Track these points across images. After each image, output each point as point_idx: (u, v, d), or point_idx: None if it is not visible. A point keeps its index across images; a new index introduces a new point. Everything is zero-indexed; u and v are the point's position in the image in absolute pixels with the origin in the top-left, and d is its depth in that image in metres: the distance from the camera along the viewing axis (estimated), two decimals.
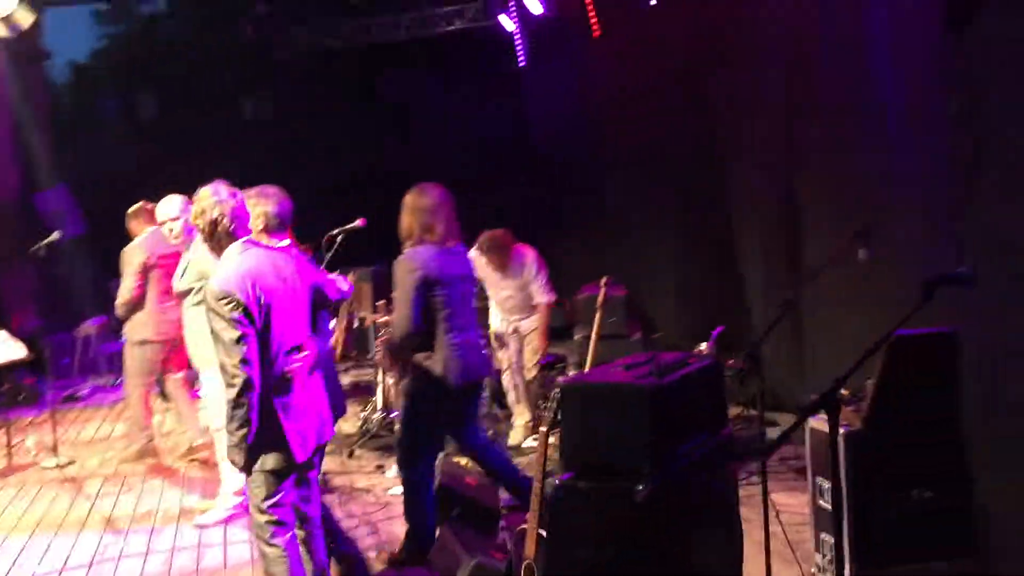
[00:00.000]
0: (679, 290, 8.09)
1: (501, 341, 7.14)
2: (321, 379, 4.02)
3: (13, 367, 7.91)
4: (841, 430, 3.58)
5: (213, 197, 3.81)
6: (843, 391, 3.85)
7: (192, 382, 7.30)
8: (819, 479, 3.77)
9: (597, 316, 5.94)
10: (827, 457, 3.62)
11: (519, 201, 10.89)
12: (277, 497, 3.79)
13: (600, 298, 5.95)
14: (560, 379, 4.12)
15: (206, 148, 12.19)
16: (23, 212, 12.01)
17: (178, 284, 5.57)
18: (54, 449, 7.39)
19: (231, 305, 3.55)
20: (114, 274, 7.25)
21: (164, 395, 7.44)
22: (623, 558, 2.55)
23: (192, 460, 7.03)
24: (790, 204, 6.35)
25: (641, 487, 2.56)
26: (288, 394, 3.75)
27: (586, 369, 5.93)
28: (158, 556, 5.18)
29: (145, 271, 6.82)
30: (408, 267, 4.62)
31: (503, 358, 7.16)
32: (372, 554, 4.99)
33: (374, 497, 5.96)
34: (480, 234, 6.78)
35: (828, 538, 3.69)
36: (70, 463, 7.21)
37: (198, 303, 5.54)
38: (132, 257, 6.90)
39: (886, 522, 3.33)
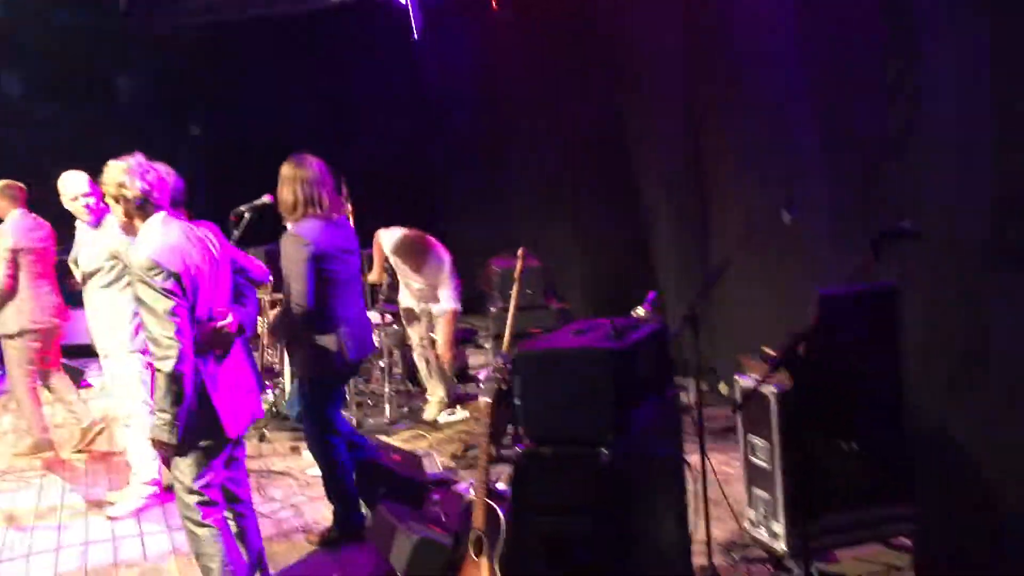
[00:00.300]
0: (584, 261, 8.18)
1: (411, 316, 7.09)
2: (247, 354, 3.94)
3: None
4: (773, 388, 3.71)
5: (138, 170, 3.71)
6: (768, 350, 3.98)
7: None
8: (751, 436, 3.88)
9: (515, 287, 5.92)
10: (760, 415, 3.75)
11: (418, 177, 10.83)
12: (207, 477, 3.71)
13: (518, 269, 5.92)
14: (495, 356, 4.02)
15: (78, 129, 11.64)
16: None
17: (84, 265, 5.30)
18: None
19: (162, 275, 3.48)
20: None
21: (48, 388, 7.07)
22: (587, 525, 2.57)
23: (86, 451, 6.73)
24: (699, 170, 6.47)
25: (605, 451, 2.58)
26: (216, 368, 3.68)
27: (505, 341, 5.93)
28: (71, 551, 4.96)
29: (15, 257, 6.49)
30: (299, 242, 4.51)
31: (413, 334, 7.12)
32: (300, 536, 4.91)
33: (293, 479, 5.85)
34: (383, 225, 6.76)
35: (762, 493, 3.82)
36: None
37: (107, 285, 5.32)
38: (4, 243, 6.54)
39: (818, 474, 3.46)
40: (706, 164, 6.36)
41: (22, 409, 6.82)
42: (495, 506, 3.38)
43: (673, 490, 3.02)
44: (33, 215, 6.76)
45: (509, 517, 2.85)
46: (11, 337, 6.62)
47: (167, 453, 3.63)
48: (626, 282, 8.09)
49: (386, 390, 7.08)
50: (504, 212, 9.48)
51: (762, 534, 3.81)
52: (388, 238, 6.92)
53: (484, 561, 3.38)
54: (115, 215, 4.30)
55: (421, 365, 7.10)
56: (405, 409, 7.13)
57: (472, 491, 5.21)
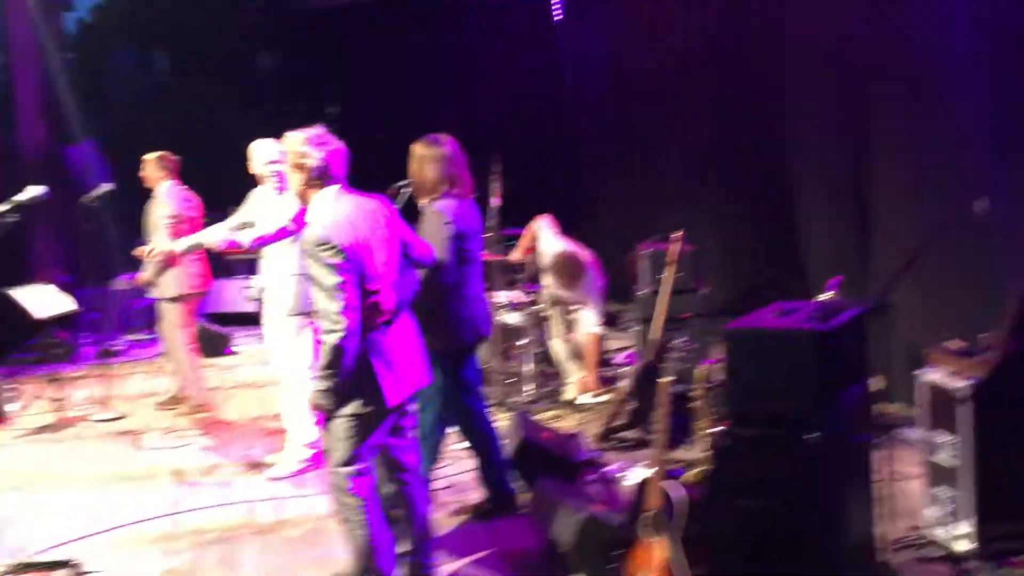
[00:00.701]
0: (727, 247, 8.05)
1: (555, 299, 7.07)
2: (414, 326, 3.97)
3: (43, 322, 7.84)
4: (965, 383, 3.57)
5: (315, 141, 3.75)
6: (959, 342, 3.83)
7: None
8: (934, 433, 3.74)
9: (669, 270, 5.90)
10: (946, 411, 3.62)
11: (558, 159, 10.80)
12: (361, 447, 3.72)
13: (673, 253, 5.90)
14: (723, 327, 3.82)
15: (220, 104, 12.03)
16: (50, 167, 11.89)
17: (260, 233, 5.48)
18: (103, 403, 7.38)
19: (331, 251, 3.51)
20: (136, 231, 7.21)
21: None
22: (785, 507, 2.53)
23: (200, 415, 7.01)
24: (861, 167, 6.26)
25: (810, 435, 2.53)
26: (381, 336, 3.71)
27: (658, 323, 5.89)
28: (237, 508, 5.16)
29: (174, 225, 6.80)
30: (442, 219, 4.54)
31: (554, 317, 7.10)
32: (451, 508, 4.99)
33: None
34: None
35: (945, 492, 3.68)
36: (121, 417, 7.18)
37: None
38: (162, 212, 6.85)
39: (1012, 476, 3.32)
40: (873, 161, 6.14)
41: (182, 370, 7.14)
42: (671, 486, 3.36)
43: (865, 481, 2.93)
44: (184, 185, 7.06)
45: (705, 495, 2.82)
46: (172, 301, 6.95)
47: (323, 415, 3.72)
48: (768, 273, 7.93)
49: (525, 369, 7.12)
50: (643, 198, 9.39)
51: (941, 534, 3.68)
52: (548, 239, 6.92)
53: (662, 541, 3.37)
54: (291, 185, 4.44)
55: (560, 348, 7.10)
56: (546, 389, 7.15)
57: (621, 471, 5.23)
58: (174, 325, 7.06)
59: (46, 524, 5.02)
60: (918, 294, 5.42)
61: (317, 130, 3.82)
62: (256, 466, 5.85)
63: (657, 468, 3.41)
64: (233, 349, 9.78)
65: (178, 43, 13.06)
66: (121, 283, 10.67)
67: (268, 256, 5.56)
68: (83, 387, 7.91)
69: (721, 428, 2.81)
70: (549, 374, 7.31)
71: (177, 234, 6.81)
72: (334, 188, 3.74)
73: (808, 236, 7.32)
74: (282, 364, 5.67)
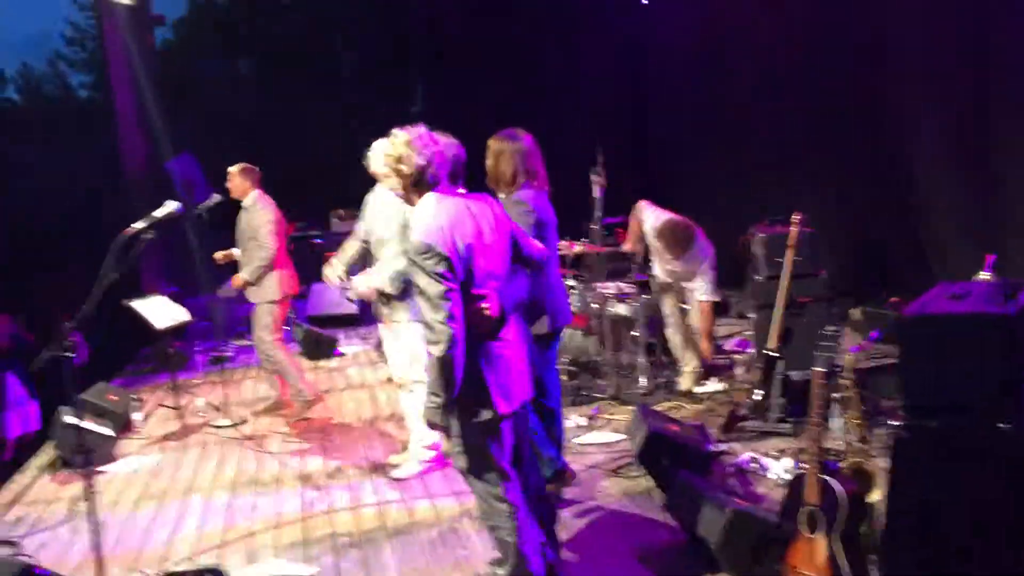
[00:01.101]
0: (842, 228, 7.82)
1: (665, 287, 6.98)
2: (522, 332, 3.87)
3: (162, 332, 8.03)
4: None
5: (419, 142, 3.66)
6: None
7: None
8: None
9: (789, 254, 5.73)
10: None
11: (653, 146, 10.65)
12: (495, 450, 3.66)
13: (793, 236, 5.73)
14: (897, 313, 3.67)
15: (309, 105, 12.14)
16: (152, 183, 12.20)
17: (381, 232, 5.49)
18: (221, 409, 7.54)
19: (434, 259, 3.44)
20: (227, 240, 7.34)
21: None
22: (974, 503, 2.40)
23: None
24: (984, 164, 6.01)
25: (1005, 425, 2.40)
26: (491, 343, 3.62)
27: (779, 313, 5.74)
28: (367, 510, 5.20)
29: (276, 230, 6.91)
30: (524, 207, 4.57)
31: (665, 305, 7.00)
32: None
33: None
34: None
35: None
36: (243, 422, 7.31)
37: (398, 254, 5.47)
38: (264, 218, 6.94)
39: None
40: (998, 135, 5.88)
41: (286, 373, 7.21)
42: (831, 481, 3.25)
43: None
44: (263, 193, 7.14)
45: (888, 492, 2.70)
46: (266, 304, 7.07)
47: (441, 433, 3.67)
48: (886, 254, 7.70)
49: (640, 360, 7.03)
50: (746, 180, 9.19)
51: None
52: (651, 216, 6.83)
53: (820, 537, 3.26)
54: (392, 186, 4.41)
55: (674, 337, 6.99)
56: (660, 380, 7.05)
57: (753, 463, 5.11)
58: (267, 328, 7.15)
59: (184, 532, 5.14)
60: None
61: (420, 130, 3.71)
62: (378, 468, 5.88)
63: (812, 462, 3.30)
64: (340, 351, 9.90)
65: (264, 47, 13.21)
66: (227, 291, 10.90)
67: (385, 258, 5.56)
68: (200, 394, 8.09)
69: (896, 421, 2.67)
70: (662, 364, 7.22)
71: (278, 239, 6.94)
72: (435, 193, 3.65)
73: (928, 211, 7.07)
74: (401, 367, 5.68)
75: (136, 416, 7.43)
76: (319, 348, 9.71)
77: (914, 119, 7.03)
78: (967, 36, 6.21)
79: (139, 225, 4.33)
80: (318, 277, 8.62)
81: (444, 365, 3.44)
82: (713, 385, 6.87)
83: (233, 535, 5.01)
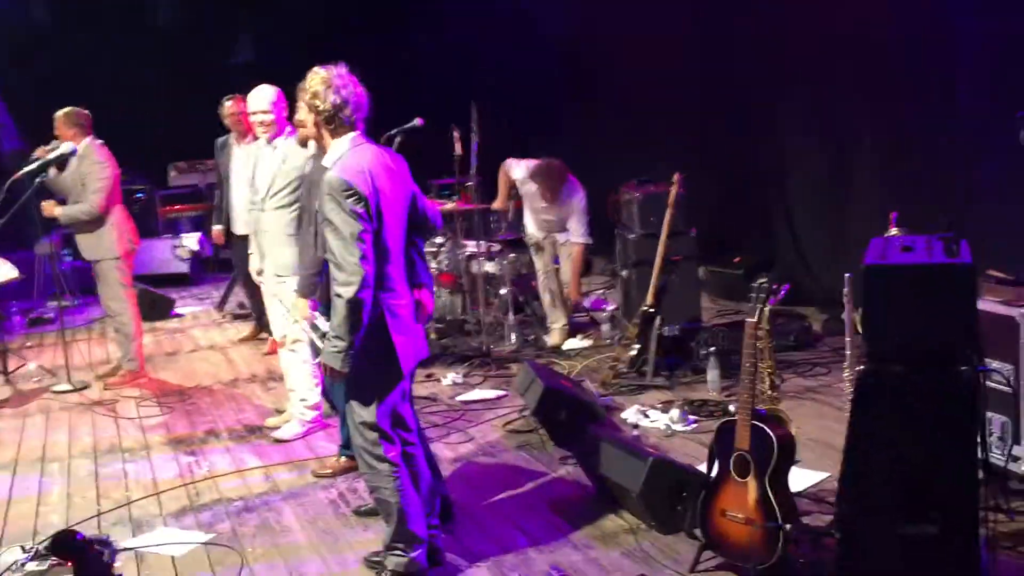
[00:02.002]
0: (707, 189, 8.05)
1: (537, 246, 7.07)
2: (416, 294, 3.77)
3: None
4: (1020, 310, 3.71)
5: (337, 80, 3.53)
6: (996, 272, 3.96)
7: None
8: (987, 360, 3.87)
9: (669, 212, 5.91)
10: (1000, 338, 3.75)
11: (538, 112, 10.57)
12: (385, 411, 3.59)
13: (673, 195, 5.91)
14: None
15: (112, 56, 11.30)
16: None
17: (261, 185, 5.20)
18: (56, 375, 7.00)
19: (354, 198, 3.36)
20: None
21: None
22: (938, 448, 2.56)
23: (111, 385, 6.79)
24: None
25: (966, 368, 2.57)
26: (396, 299, 3.54)
27: (657, 265, 5.92)
28: (255, 474, 4.97)
29: (114, 185, 6.53)
30: None
31: (538, 263, 7.09)
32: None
33: (446, 406, 5.86)
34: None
35: (1000, 417, 3.84)
36: (85, 387, 6.81)
37: (281, 206, 5.20)
38: (99, 172, 6.48)
39: None
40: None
41: (127, 335, 6.81)
42: (764, 427, 3.40)
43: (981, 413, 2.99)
44: (100, 141, 6.65)
45: (851, 433, 2.83)
46: (111, 261, 6.64)
47: (336, 380, 3.57)
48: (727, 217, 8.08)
49: (509, 318, 7.08)
50: (606, 144, 9.37)
51: (997, 457, 3.84)
52: (520, 167, 6.87)
53: (751, 481, 3.40)
54: (300, 125, 4.22)
55: (544, 294, 7.09)
56: (531, 336, 7.13)
57: (643, 415, 5.27)
58: (120, 284, 6.73)
59: (51, 502, 4.75)
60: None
61: (340, 69, 3.57)
62: (255, 430, 5.65)
63: (743, 408, 3.43)
64: (177, 311, 9.39)
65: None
66: (44, 247, 10.07)
67: (261, 216, 5.28)
68: (28, 357, 7.47)
69: (860, 367, 2.82)
70: (527, 322, 7.30)
71: (111, 193, 6.51)
72: (352, 134, 3.56)
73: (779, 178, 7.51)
74: (281, 323, 5.44)
75: None
76: (155, 309, 9.16)
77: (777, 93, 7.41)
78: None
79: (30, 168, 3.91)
80: (144, 234, 8.16)
81: (353, 307, 3.34)
82: (580, 342, 7.02)
83: (109, 504, 4.67)
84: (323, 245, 3.49)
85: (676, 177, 5.90)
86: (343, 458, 4.82)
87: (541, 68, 10.57)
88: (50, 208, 6.66)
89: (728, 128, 8.09)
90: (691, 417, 5.20)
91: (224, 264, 11.54)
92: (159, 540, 4.21)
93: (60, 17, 11.62)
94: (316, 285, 4.50)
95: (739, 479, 3.44)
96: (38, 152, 6.57)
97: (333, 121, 3.53)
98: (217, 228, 7.59)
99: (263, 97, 5.32)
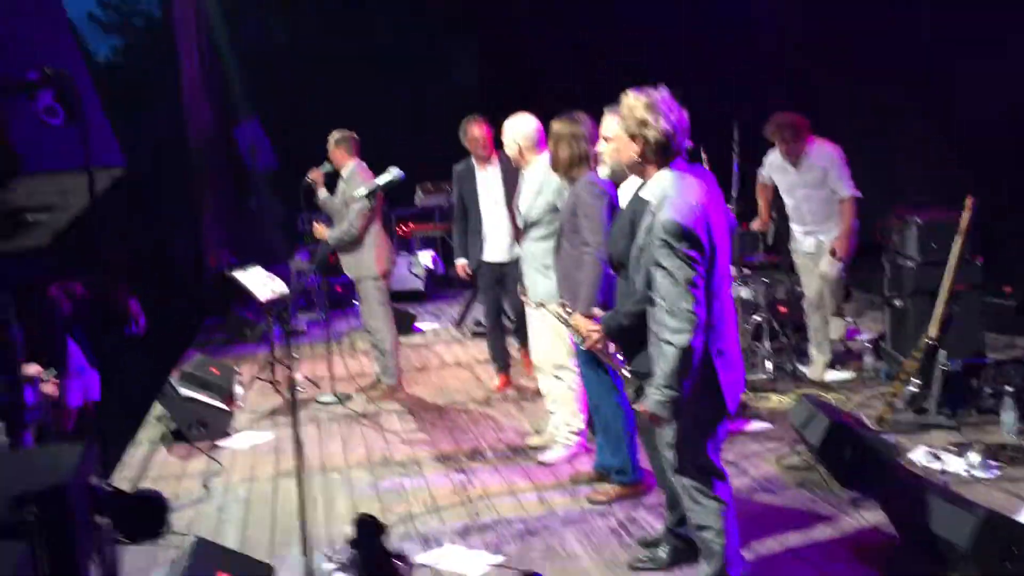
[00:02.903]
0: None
1: (805, 266, 6.66)
2: (736, 324, 3.65)
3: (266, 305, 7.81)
4: None
5: (664, 106, 3.33)
6: None
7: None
8: None
9: (959, 240, 5.51)
10: None
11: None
12: (713, 449, 3.49)
13: (965, 221, 5.50)
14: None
15: (362, 73, 11.76)
16: (218, 147, 11.91)
17: (530, 213, 5.24)
18: (319, 385, 7.35)
19: (688, 242, 3.19)
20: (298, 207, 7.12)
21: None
22: None
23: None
24: None
25: None
26: (722, 339, 3.37)
27: (942, 301, 5.52)
28: (528, 495, 4.98)
29: (375, 208, 6.73)
30: (597, 191, 4.51)
31: (805, 280, 6.71)
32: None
33: None
34: None
35: None
36: (348, 398, 7.10)
37: (544, 237, 5.20)
38: (364, 191, 6.69)
39: None
40: None
41: (385, 351, 7.03)
42: None
43: None
44: (364, 164, 6.89)
45: None
46: (371, 279, 6.89)
47: (660, 427, 3.43)
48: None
49: (764, 346, 6.82)
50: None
51: None
52: (767, 159, 6.64)
53: None
54: (607, 156, 4.16)
55: (813, 317, 6.68)
56: (785, 366, 6.84)
57: (934, 458, 4.90)
58: (379, 303, 6.98)
59: (338, 511, 4.93)
60: None
61: (661, 92, 3.38)
62: (518, 451, 5.67)
63: None
64: (419, 327, 9.68)
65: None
66: (299, 263, 10.67)
67: (525, 243, 5.31)
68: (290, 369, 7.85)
69: None
70: (780, 350, 6.99)
71: (368, 216, 6.72)
72: (676, 167, 3.39)
73: None
74: (543, 349, 5.43)
75: (238, 390, 7.22)
76: (399, 324, 9.46)
77: None
78: None
79: (362, 191, 4.11)
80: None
81: (685, 355, 3.20)
82: (842, 373, 6.66)
83: (393, 517, 4.79)
84: (646, 283, 3.38)
85: (969, 202, 5.48)
86: (617, 485, 4.74)
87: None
88: (321, 231, 7.02)
89: (998, 140, 7.37)
90: (991, 463, 4.79)
91: (454, 281, 11.91)
92: (450, 557, 4.26)
93: (298, 34, 12.31)
94: (597, 301, 4.43)
95: None
96: (312, 174, 6.95)
97: (664, 151, 3.36)
98: (461, 262, 6.95)
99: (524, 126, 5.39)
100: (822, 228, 6.44)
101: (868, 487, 4.50)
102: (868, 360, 6.78)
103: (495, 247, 6.71)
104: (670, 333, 3.22)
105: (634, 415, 4.15)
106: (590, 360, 4.58)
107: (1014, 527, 3.60)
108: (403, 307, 10.04)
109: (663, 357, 3.25)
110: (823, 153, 6.28)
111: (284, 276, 10.24)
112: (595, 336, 3.93)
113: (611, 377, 4.45)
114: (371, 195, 4.26)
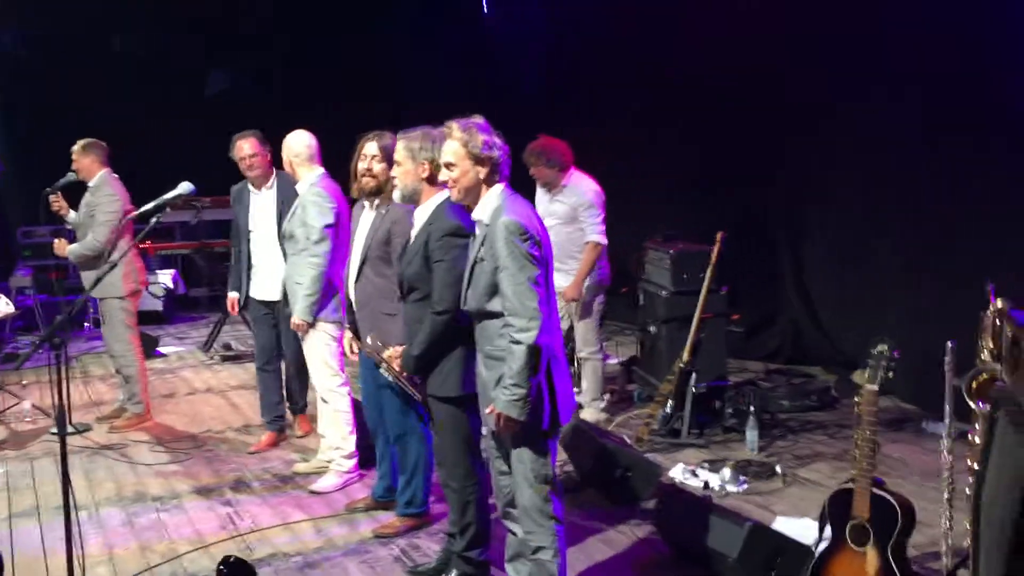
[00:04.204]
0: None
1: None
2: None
3: None
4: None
5: (492, 135, 3.50)
6: None
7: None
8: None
9: (710, 271, 5.95)
10: None
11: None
12: (554, 462, 3.56)
13: (715, 254, 5.94)
14: None
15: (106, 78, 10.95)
16: None
17: (289, 229, 5.10)
18: (50, 414, 6.69)
19: (529, 241, 3.36)
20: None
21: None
22: None
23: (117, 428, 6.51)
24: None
25: None
26: (556, 347, 3.51)
27: (694, 328, 5.92)
28: (304, 526, 4.77)
29: (120, 220, 6.35)
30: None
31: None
32: None
33: None
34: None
35: None
36: (87, 429, 6.50)
37: (300, 251, 5.14)
38: (108, 204, 6.29)
39: None
40: None
41: (131, 377, 6.59)
42: (886, 495, 3.40)
43: None
44: (116, 175, 6.49)
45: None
46: (115, 299, 6.48)
47: (511, 431, 3.47)
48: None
49: None
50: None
51: None
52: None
53: (871, 551, 3.39)
54: (400, 179, 4.08)
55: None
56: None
57: (690, 475, 5.23)
58: (124, 325, 6.52)
59: (91, 552, 4.47)
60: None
61: (481, 120, 3.56)
62: (287, 480, 5.44)
63: (862, 476, 3.43)
64: (160, 350, 9.07)
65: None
66: (22, 279, 9.67)
67: (293, 260, 5.18)
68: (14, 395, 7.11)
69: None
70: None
71: (117, 230, 6.33)
72: (501, 185, 3.53)
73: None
74: (317, 373, 5.29)
75: None
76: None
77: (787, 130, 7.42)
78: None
79: (148, 207, 3.80)
80: None
81: (532, 353, 3.30)
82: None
83: (156, 557, 4.42)
84: (486, 290, 3.44)
85: (719, 236, 5.94)
86: (404, 516, 4.65)
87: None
88: (61, 247, 6.45)
89: (730, 172, 7.93)
90: (741, 478, 5.19)
91: (195, 303, 11.30)
92: None
93: (35, 46, 11.21)
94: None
95: (856, 548, 3.43)
96: (55, 204, 6.36)
97: (498, 170, 3.49)
98: (232, 295, 6.09)
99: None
100: (565, 266, 6.07)
101: (638, 504, 4.72)
102: (620, 382, 7.14)
103: (265, 282, 5.84)
104: (516, 331, 3.32)
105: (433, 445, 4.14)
106: (396, 390, 4.44)
107: (776, 537, 3.92)
108: (142, 329, 9.38)
109: (511, 356, 3.33)
110: (579, 189, 6.14)
111: (5, 292, 9.33)
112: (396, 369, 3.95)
113: (418, 408, 4.38)
114: (157, 210, 3.94)
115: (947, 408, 3.82)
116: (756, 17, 7.49)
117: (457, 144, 3.47)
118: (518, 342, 3.31)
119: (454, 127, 3.52)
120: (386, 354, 4.16)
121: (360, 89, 10.75)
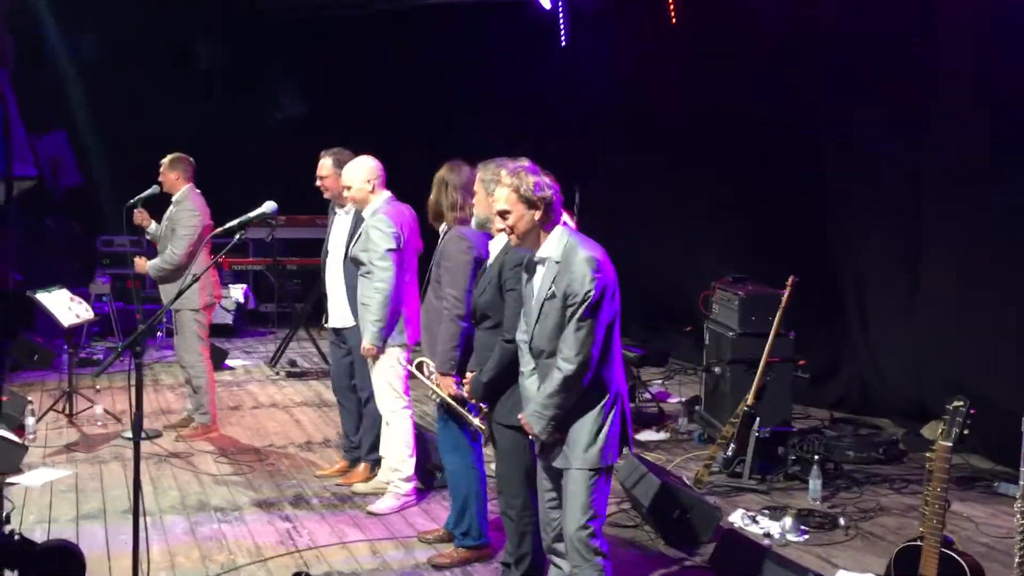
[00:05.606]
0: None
1: None
2: None
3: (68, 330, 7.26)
4: None
5: (541, 175, 3.53)
6: None
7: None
8: None
9: (779, 315, 5.89)
10: None
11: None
12: (605, 498, 3.58)
13: (785, 297, 5.89)
14: None
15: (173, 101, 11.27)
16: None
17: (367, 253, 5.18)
18: (120, 419, 6.87)
19: (595, 282, 3.42)
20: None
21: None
22: None
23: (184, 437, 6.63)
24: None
25: None
26: (619, 387, 3.58)
27: (761, 369, 5.86)
28: (360, 546, 4.81)
29: (200, 235, 6.50)
30: (465, 246, 4.45)
31: None
32: None
33: None
34: None
35: None
36: (157, 435, 6.65)
37: (366, 273, 5.20)
38: (189, 219, 6.45)
39: None
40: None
41: (200, 388, 6.71)
42: (954, 555, 3.31)
43: None
44: (199, 191, 6.66)
45: None
46: (191, 311, 6.61)
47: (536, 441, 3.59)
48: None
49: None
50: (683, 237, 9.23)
51: None
52: None
53: None
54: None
55: None
56: None
57: (750, 522, 5.14)
58: (197, 336, 6.67)
59: (153, 558, 4.57)
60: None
61: (527, 162, 3.62)
62: (346, 499, 5.49)
63: (932, 536, 3.35)
64: (228, 363, 9.25)
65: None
66: (101, 286, 9.96)
67: (361, 282, 5.24)
68: (93, 400, 7.30)
69: None
70: None
71: (195, 244, 6.48)
72: (563, 223, 3.59)
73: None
74: (378, 396, 5.33)
75: (28, 421, 6.60)
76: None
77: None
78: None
79: (232, 224, 3.92)
80: None
81: (568, 386, 3.40)
82: (654, 434, 6.91)
83: (215, 567, 4.50)
84: (554, 329, 3.50)
85: (791, 280, 5.88)
86: (461, 548, 4.65)
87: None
88: (141, 264, 6.65)
89: (797, 217, 7.87)
90: (802, 527, 5.09)
91: (263, 318, 11.50)
92: None
93: (113, 54, 11.56)
94: (456, 359, 4.41)
95: None
96: (138, 217, 6.58)
97: (553, 209, 3.53)
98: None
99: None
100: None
101: (695, 547, 4.66)
102: (682, 422, 7.08)
103: (335, 309, 5.65)
104: (563, 360, 3.41)
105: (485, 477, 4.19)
106: (447, 418, 4.49)
107: None
108: (212, 341, 9.59)
109: (550, 379, 3.44)
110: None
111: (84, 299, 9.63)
112: (445, 383, 4.04)
113: (467, 437, 4.41)
114: (241, 227, 4.06)
115: (1022, 470, 3.70)
116: (821, 60, 7.50)
117: (507, 190, 3.47)
118: (559, 369, 3.40)
119: (502, 174, 3.55)
120: (437, 380, 4.22)
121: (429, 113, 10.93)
